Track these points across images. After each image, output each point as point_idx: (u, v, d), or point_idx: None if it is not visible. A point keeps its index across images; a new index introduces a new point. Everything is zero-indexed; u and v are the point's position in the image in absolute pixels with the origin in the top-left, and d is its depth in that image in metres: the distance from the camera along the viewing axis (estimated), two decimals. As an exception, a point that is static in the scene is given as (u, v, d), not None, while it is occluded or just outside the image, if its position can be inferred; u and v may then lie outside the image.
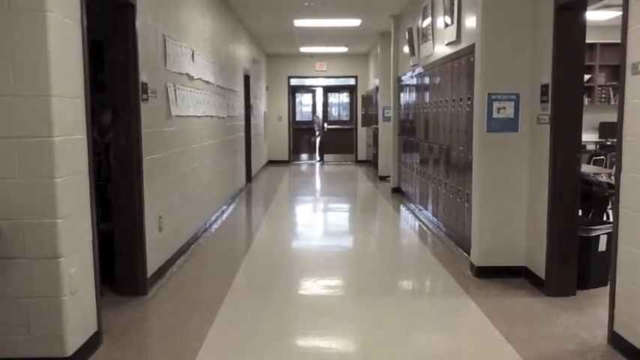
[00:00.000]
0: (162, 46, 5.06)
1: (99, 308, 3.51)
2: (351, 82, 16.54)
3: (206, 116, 6.99)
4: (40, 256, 3.00)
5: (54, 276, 3.02)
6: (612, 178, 5.38)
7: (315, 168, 15.38)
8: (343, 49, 14.73)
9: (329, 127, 16.91)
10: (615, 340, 3.43)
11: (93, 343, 3.41)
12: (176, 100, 5.45)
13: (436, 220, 6.89)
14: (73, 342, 3.16)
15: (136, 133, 4.33)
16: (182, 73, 5.75)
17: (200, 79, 6.60)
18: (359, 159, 16.39)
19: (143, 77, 4.45)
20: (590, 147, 8.90)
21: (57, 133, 2.98)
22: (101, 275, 3.60)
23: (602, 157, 7.86)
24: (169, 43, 5.25)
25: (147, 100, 4.55)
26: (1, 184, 2.96)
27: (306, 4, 8.83)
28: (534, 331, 3.73)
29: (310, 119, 17.17)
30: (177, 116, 5.52)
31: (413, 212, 8.23)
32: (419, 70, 8.05)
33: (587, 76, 8.79)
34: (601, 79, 9.34)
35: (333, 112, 17.24)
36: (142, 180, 4.41)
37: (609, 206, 5.19)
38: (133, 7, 4.26)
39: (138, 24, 4.33)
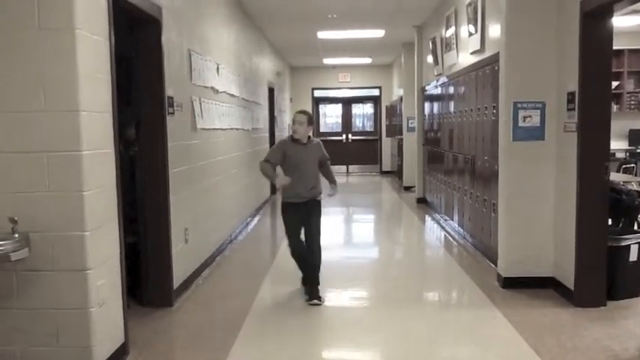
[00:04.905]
0: (187, 60, 5.14)
1: (126, 320, 3.55)
2: (375, 92, 16.54)
3: (231, 129, 7.06)
4: (69, 269, 3.05)
5: (82, 288, 3.07)
6: (642, 186, 5.28)
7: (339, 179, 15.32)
8: (367, 60, 14.76)
9: (353, 137, 16.87)
10: (648, 352, 3.35)
11: (120, 354, 3.45)
12: (201, 113, 5.52)
13: (462, 230, 6.83)
14: (101, 353, 3.20)
15: (162, 147, 4.40)
16: (207, 87, 5.82)
17: (225, 92, 6.67)
18: (384, 169, 16.32)
19: (169, 91, 4.52)
20: (620, 155, 8.73)
21: (85, 147, 3.04)
22: (128, 287, 3.64)
23: (631, 164, 7.71)
24: (194, 58, 5.32)
25: (173, 113, 4.61)
26: (31, 198, 3.02)
27: (330, 16, 8.89)
28: (563, 343, 3.66)
29: (339, 130, 16.81)
30: (203, 129, 5.58)
31: (438, 222, 8.17)
32: (443, 79, 8.02)
33: (615, 83, 8.66)
34: (629, 85, 9.17)
35: (358, 123, 17.21)
36: (169, 193, 4.47)
37: (640, 215, 5.09)
38: (158, 23, 4.34)
39: (163, 39, 4.40)
